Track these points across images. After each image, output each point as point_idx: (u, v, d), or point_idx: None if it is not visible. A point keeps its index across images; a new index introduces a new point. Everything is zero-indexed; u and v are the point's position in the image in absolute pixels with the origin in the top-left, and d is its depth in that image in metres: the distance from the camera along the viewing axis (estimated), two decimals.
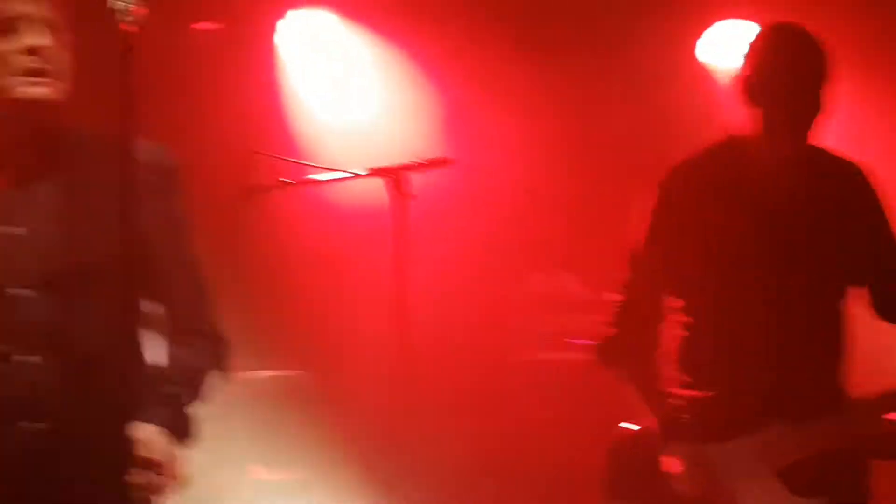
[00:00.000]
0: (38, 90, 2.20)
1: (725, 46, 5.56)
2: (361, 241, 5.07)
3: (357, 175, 4.25)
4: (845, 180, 3.06)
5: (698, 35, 5.60)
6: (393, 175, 4.14)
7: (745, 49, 3.04)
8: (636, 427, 3.17)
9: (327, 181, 4.36)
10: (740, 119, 3.05)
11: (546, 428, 4.83)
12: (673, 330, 3.15)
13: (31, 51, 2.20)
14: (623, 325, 3.15)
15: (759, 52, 3.01)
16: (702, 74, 5.61)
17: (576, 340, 5.13)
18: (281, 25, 5.59)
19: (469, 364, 5.11)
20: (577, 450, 4.74)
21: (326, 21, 5.59)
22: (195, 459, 2.31)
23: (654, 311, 3.13)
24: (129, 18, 2.11)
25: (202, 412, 2.36)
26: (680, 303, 3.10)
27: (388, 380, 4.29)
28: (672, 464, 3.00)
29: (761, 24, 3.15)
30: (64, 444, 2.19)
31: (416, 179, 4.29)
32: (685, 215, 3.03)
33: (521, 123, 5.41)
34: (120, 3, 2.10)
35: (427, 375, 4.75)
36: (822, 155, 3.07)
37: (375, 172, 4.18)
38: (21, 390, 2.17)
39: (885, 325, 3.09)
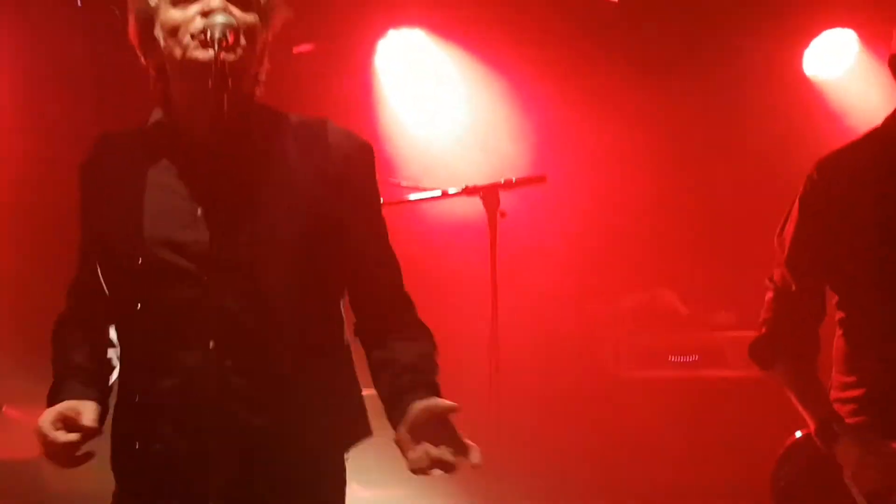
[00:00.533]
0: (207, 53, 2.12)
1: (832, 56, 5.44)
2: (457, 258, 5.09)
3: (450, 194, 4.28)
4: None
5: (805, 45, 5.48)
6: (486, 193, 4.17)
7: None
8: (802, 434, 2.99)
9: (422, 200, 4.40)
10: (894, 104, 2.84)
11: (647, 445, 4.77)
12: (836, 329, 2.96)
13: (204, 14, 2.16)
14: (776, 323, 2.98)
15: None
16: (808, 86, 5.49)
17: (676, 357, 5.07)
18: (379, 46, 5.67)
19: (567, 381, 5.07)
20: (680, 466, 4.69)
21: (421, 41, 5.64)
22: None
23: (809, 308, 2.95)
24: (226, 46, 2.13)
25: None
26: (835, 297, 2.93)
27: (483, 396, 4.29)
28: (842, 466, 2.81)
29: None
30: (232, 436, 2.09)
31: (511, 196, 4.30)
32: (837, 205, 2.84)
33: (617, 139, 5.38)
34: (219, 34, 2.13)
35: (523, 392, 4.75)
36: None
37: (469, 191, 4.21)
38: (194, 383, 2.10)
39: None
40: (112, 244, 2.20)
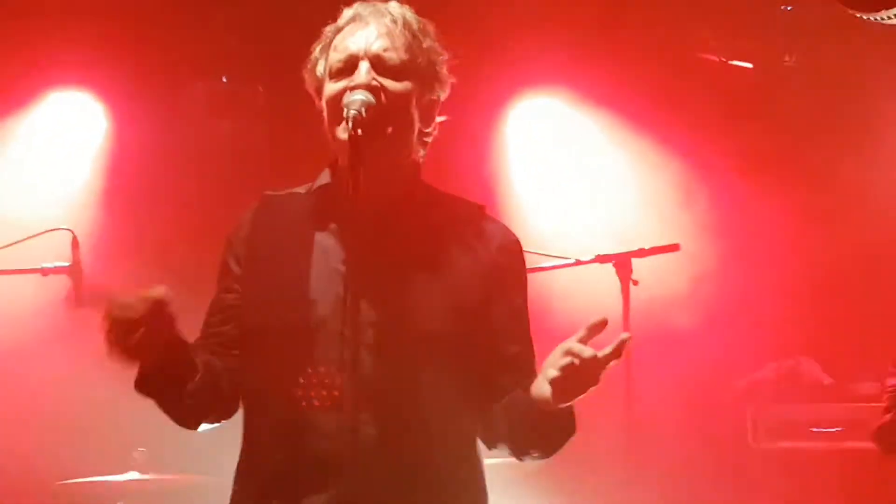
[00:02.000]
0: (347, 129, 2.15)
1: None
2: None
3: (582, 262, 4.26)
4: None
5: None
6: (619, 261, 4.14)
7: None
8: None
9: (554, 268, 4.39)
10: None
11: None
12: None
13: (351, 89, 2.20)
14: None
15: None
16: None
17: (818, 429, 4.91)
18: (510, 115, 5.73)
19: (705, 450, 4.96)
20: None
21: (554, 107, 5.68)
22: None
23: None
24: (361, 123, 2.15)
25: None
26: None
27: (618, 463, 4.24)
28: None
29: None
30: None
31: (645, 264, 4.26)
32: None
33: (754, 205, 5.29)
34: (353, 111, 2.16)
35: (658, 460, 4.66)
36: None
37: (601, 259, 4.19)
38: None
39: None
40: (273, 301, 2.22)
